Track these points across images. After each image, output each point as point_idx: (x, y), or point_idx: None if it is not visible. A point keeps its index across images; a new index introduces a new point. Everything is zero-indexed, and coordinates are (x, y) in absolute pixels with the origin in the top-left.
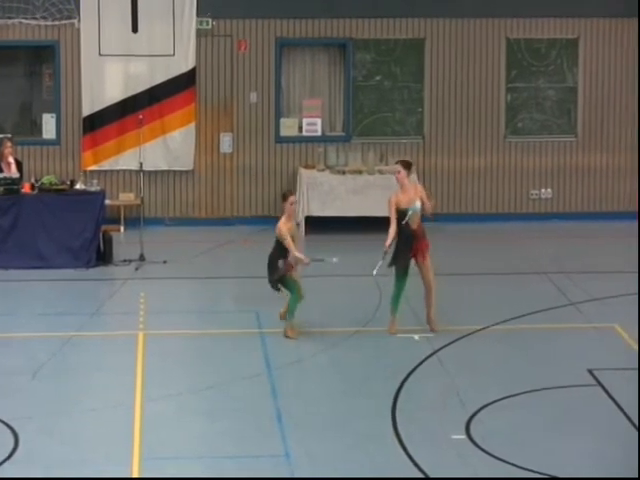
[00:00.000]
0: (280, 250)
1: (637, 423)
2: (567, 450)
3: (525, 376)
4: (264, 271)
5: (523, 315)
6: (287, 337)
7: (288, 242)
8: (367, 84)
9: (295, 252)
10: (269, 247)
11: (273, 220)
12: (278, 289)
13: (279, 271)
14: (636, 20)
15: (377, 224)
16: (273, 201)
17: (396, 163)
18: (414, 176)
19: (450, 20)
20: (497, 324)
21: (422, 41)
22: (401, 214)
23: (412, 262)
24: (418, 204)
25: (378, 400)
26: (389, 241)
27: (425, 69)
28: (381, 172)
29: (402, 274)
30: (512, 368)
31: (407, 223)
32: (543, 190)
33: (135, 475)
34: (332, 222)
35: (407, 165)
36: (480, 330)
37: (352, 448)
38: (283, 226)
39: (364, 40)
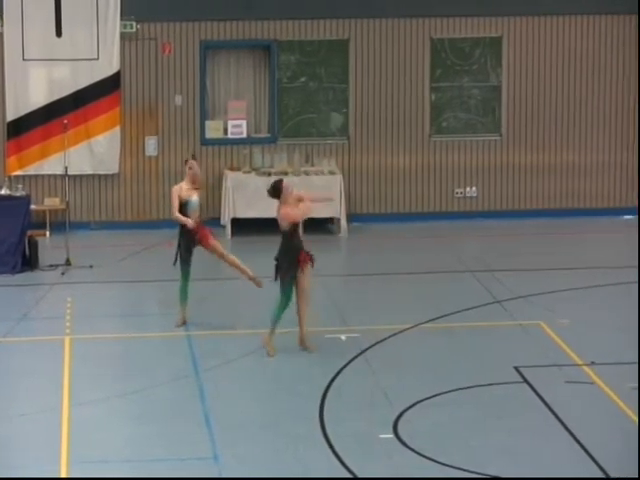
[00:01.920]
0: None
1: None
2: (494, 447)
3: (452, 374)
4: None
5: (449, 313)
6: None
7: (172, 203)
8: (292, 85)
9: (175, 214)
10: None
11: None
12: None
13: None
14: (559, 18)
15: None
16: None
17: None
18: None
19: (374, 20)
20: (424, 323)
21: (346, 42)
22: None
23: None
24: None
25: (306, 401)
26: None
27: (350, 70)
28: (307, 173)
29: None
30: (439, 366)
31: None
32: (468, 189)
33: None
34: (257, 223)
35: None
36: (407, 329)
37: (281, 450)
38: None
39: (288, 42)
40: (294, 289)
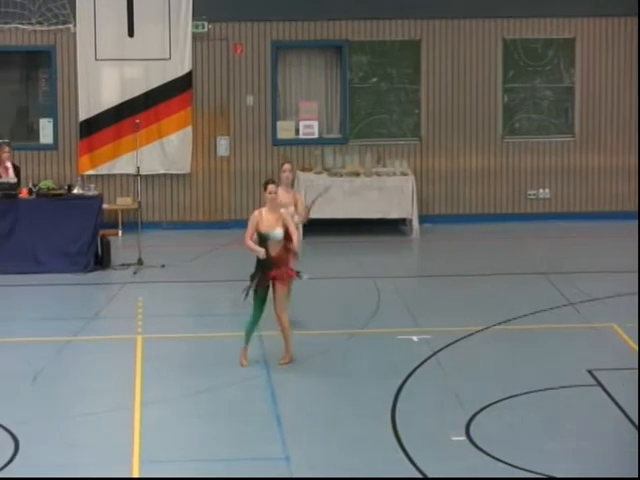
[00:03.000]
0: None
1: (637, 423)
2: (567, 450)
3: (525, 376)
4: None
5: (522, 316)
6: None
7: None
8: (363, 86)
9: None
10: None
11: None
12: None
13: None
14: (633, 19)
15: (373, 226)
16: None
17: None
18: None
19: (446, 21)
20: (496, 325)
21: (418, 42)
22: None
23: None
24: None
25: (377, 402)
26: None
27: (421, 70)
28: (378, 174)
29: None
30: (511, 369)
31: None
32: (541, 190)
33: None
34: (329, 224)
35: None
36: (479, 331)
37: (351, 450)
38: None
39: (360, 42)
40: (265, 304)
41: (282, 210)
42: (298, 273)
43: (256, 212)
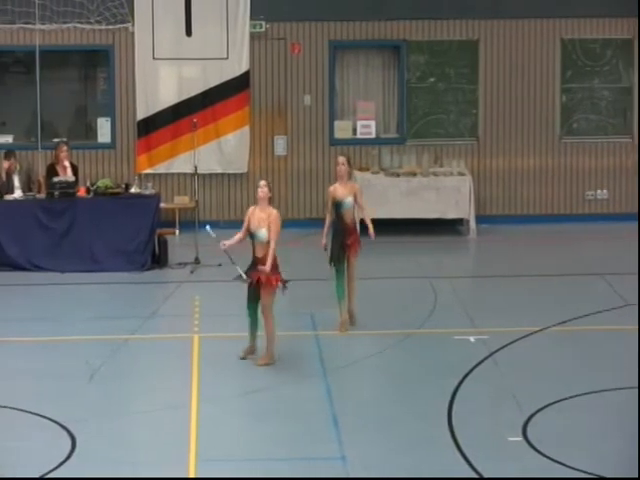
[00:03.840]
0: None
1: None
2: (623, 452)
3: (582, 378)
4: (318, 273)
5: (580, 316)
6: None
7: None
8: (421, 86)
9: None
10: (321, 249)
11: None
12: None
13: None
14: None
15: (430, 226)
16: (326, 203)
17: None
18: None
19: (504, 21)
20: (553, 325)
21: (476, 42)
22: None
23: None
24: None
25: (434, 402)
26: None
27: (479, 70)
28: (435, 174)
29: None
30: (569, 370)
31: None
32: (599, 191)
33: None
34: (385, 224)
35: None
36: (536, 332)
37: (407, 450)
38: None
39: (418, 42)
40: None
41: (273, 211)
42: (284, 283)
43: (251, 208)
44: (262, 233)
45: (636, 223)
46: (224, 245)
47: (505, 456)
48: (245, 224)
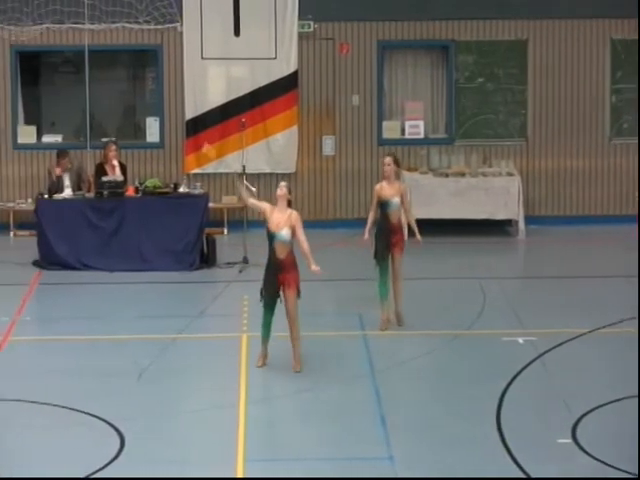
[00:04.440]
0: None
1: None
2: None
3: (631, 379)
4: (366, 273)
5: (629, 318)
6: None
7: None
8: (469, 86)
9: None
10: (369, 250)
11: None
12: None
13: None
14: None
15: (478, 227)
16: None
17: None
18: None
19: (553, 21)
20: (602, 327)
21: (525, 42)
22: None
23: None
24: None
25: (482, 403)
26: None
27: (528, 71)
28: (484, 174)
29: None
30: (618, 372)
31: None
32: None
33: (239, 476)
34: (434, 224)
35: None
36: (585, 333)
37: (456, 451)
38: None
39: (466, 42)
40: (274, 309)
41: (294, 212)
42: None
43: (268, 207)
44: (284, 234)
45: None
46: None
47: (554, 458)
48: (259, 208)
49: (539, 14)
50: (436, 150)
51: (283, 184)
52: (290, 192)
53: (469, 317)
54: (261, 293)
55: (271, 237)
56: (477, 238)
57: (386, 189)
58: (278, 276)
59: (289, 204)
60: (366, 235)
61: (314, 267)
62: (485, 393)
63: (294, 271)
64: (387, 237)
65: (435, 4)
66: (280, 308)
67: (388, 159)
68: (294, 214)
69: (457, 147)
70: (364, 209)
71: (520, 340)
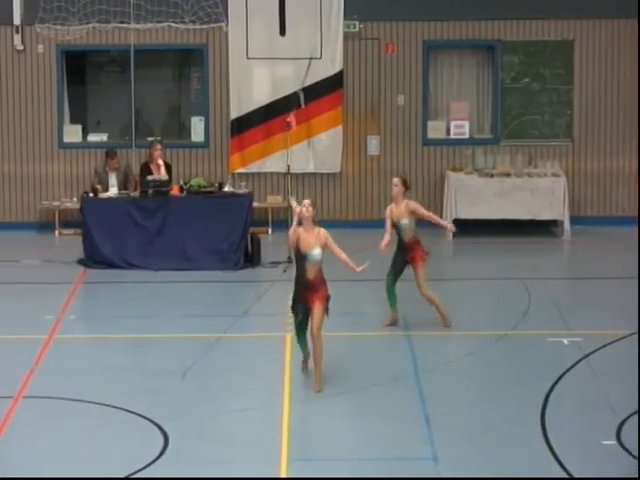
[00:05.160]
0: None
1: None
2: None
3: None
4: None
5: None
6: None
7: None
8: (515, 86)
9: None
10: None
11: (419, 223)
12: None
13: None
14: None
15: (523, 227)
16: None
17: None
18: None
19: (599, 21)
20: None
21: (571, 42)
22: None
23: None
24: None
25: (526, 404)
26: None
27: (574, 71)
28: (529, 175)
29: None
30: None
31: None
32: None
33: (283, 476)
34: (479, 225)
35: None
36: (631, 334)
37: (500, 452)
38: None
39: (512, 42)
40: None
41: (321, 230)
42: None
43: (292, 229)
44: (316, 253)
45: None
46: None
47: (598, 459)
48: (293, 243)
49: (585, 14)
50: (481, 150)
51: (307, 202)
52: (315, 208)
53: (514, 317)
54: (293, 310)
55: (303, 257)
56: (522, 238)
57: (394, 211)
58: (307, 294)
59: (313, 221)
60: (382, 245)
61: (360, 268)
62: (530, 394)
63: (323, 288)
64: (403, 255)
65: (481, 4)
66: None
67: (396, 180)
68: (322, 232)
69: (502, 147)
70: None
71: (565, 341)
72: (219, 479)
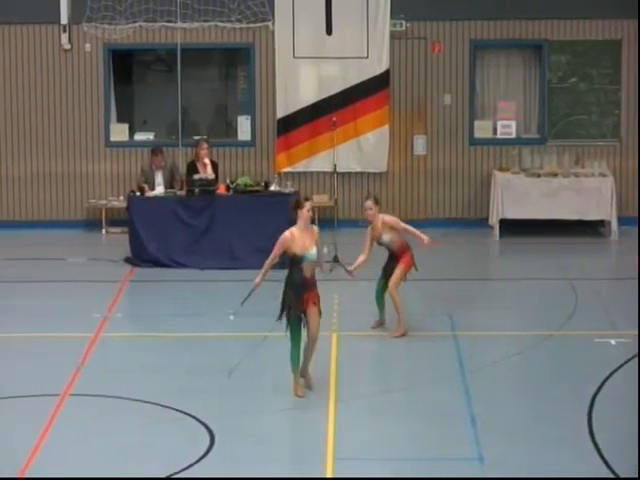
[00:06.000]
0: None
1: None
2: None
3: None
4: (456, 273)
5: None
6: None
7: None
8: (562, 86)
9: (265, 265)
10: (461, 249)
11: (466, 223)
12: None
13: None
14: None
15: (571, 228)
16: (466, 204)
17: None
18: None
19: None
20: None
21: (619, 42)
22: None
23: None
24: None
25: (573, 405)
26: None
27: (622, 70)
28: (576, 175)
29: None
30: None
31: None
32: None
33: (329, 475)
34: (526, 225)
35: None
36: None
37: (545, 452)
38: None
39: (559, 42)
40: (302, 331)
41: (314, 228)
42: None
43: (287, 233)
44: (313, 252)
45: None
46: (256, 284)
47: None
48: (279, 251)
49: (633, 14)
50: (528, 150)
51: (308, 204)
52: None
53: (561, 318)
54: (284, 315)
55: (299, 260)
56: (569, 239)
57: (373, 231)
58: (304, 295)
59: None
60: (353, 268)
61: (325, 268)
62: (576, 394)
63: (317, 288)
64: (394, 262)
65: (528, 3)
66: None
67: (369, 203)
68: (315, 229)
69: (549, 147)
70: (455, 209)
71: (612, 342)
72: (264, 479)
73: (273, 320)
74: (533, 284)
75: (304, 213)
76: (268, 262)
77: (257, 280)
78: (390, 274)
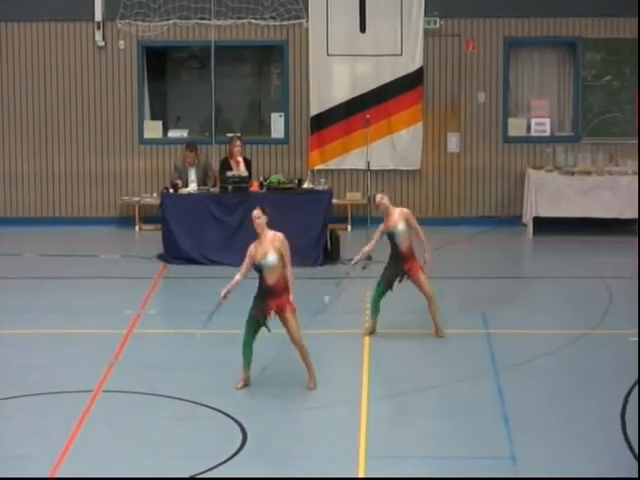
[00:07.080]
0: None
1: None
2: None
3: None
4: (490, 272)
5: None
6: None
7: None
8: (596, 84)
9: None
10: (495, 247)
11: (500, 221)
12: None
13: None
14: None
15: (605, 226)
16: (500, 202)
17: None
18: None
19: None
20: None
21: None
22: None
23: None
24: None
25: (606, 404)
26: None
27: None
28: (610, 173)
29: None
30: None
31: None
32: None
33: (361, 475)
34: (560, 223)
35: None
36: None
37: (578, 452)
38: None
39: (594, 39)
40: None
41: (277, 234)
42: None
43: (251, 246)
44: (271, 259)
45: None
46: (224, 296)
47: None
48: (247, 264)
49: None
50: (562, 148)
51: (256, 212)
52: (267, 215)
53: (595, 316)
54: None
55: (258, 268)
56: (603, 237)
57: (388, 222)
58: (269, 302)
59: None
60: (358, 257)
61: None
62: (610, 394)
63: (287, 294)
64: (398, 266)
65: (563, 1)
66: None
67: (379, 196)
68: (278, 236)
69: (583, 145)
70: (488, 207)
71: None
72: (297, 479)
73: (307, 316)
74: (567, 283)
75: (255, 222)
76: (240, 274)
77: (224, 291)
78: (391, 280)
